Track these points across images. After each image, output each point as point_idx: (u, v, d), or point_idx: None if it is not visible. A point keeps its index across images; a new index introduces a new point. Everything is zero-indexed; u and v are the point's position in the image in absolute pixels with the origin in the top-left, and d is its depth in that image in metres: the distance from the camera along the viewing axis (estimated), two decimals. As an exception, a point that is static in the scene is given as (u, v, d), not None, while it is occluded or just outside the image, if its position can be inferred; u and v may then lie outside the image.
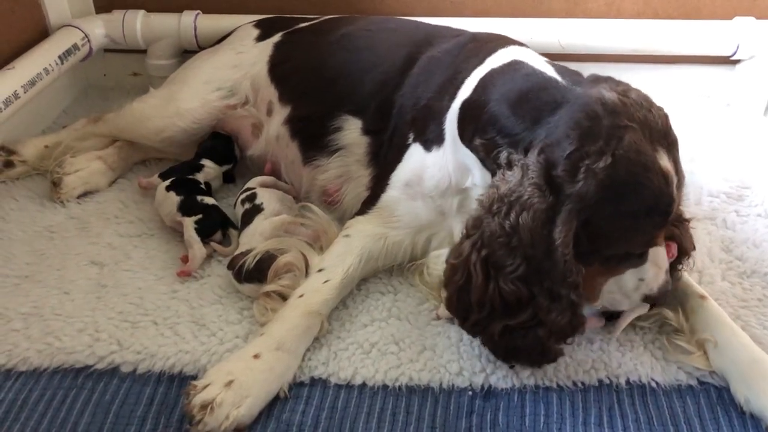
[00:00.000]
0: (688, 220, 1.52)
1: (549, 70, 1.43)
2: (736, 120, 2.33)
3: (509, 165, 1.33)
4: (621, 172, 1.22)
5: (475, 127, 1.44)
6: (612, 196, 1.23)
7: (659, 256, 1.36)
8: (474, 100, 1.48)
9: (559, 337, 1.31)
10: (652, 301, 1.42)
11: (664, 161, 1.26)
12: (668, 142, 1.30)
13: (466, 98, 1.50)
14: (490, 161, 1.41)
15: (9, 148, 2.03)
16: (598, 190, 1.22)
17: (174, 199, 1.78)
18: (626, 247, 1.32)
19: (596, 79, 1.39)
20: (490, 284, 1.29)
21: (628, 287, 1.37)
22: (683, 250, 1.46)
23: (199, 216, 1.74)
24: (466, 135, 1.47)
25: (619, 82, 1.37)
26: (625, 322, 1.45)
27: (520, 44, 1.68)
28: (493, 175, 1.39)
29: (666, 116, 1.32)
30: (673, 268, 1.46)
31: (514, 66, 1.49)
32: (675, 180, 1.27)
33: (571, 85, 1.37)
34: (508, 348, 1.34)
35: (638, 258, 1.35)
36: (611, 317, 1.47)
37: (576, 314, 1.29)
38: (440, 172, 1.57)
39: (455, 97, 1.54)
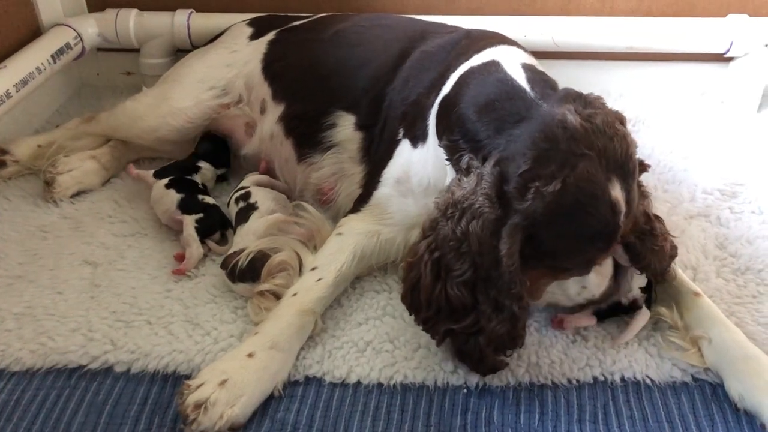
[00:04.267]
0: (660, 235, 1.46)
1: (520, 78, 1.41)
2: (729, 117, 2.33)
3: (467, 170, 1.34)
4: (568, 198, 1.23)
5: (446, 125, 1.44)
6: (557, 218, 1.24)
7: (603, 267, 1.39)
8: (449, 97, 1.48)
9: (497, 347, 1.32)
10: (596, 304, 1.45)
11: (616, 191, 1.26)
12: (624, 171, 1.28)
13: (444, 95, 1.51)
14: (453, 162, 1.41)
15: (2, 147, 2.02)
16: (544, 212, 1.23)
17: (174, 196, 1.78)
18: (569, 264, 1.35)
19: (566, 96, 1.34)
20: (437, 285, 1.31)
21: (570, 292, 1.42)
22: (648, 263, 1.44)
23: (200, 215, 1.73)
24: (439, 133, 1.48)
25: (588, 103, 1.32)
26: (631, 333, 1.45)
27: (513, 43, 1.68)
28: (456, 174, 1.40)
29: (629, 145, 1.30)
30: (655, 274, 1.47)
31: (490, 68, 1.47)
32: (623, 209, 1.27)
33: (538, 99, 1.35)
34: (454, 350, 1.37)
35: (583, 268, 1.37)
36: (604, 317, 1.48)
37: (516, 326, 1.29)
38: (422, 170, 1.57)
39: (439, 93, 1.54)
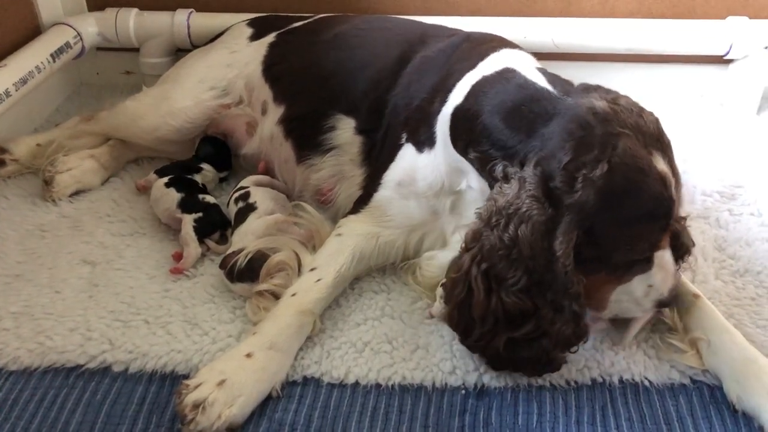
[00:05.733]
0: (684, 218, 1.52)
1: (541, 80, 1.43)
2: (729, 119, 2.33)
3: (506, 178, 1.33)
4: (618, 178, 1.22)
5: (469, 138, 1.44)
6: (612, 203, 1.23)
7: (665, 259, 1.35)
8: (466, 108, 1.47)
9: (564, 347, 1.31)
10: (665, 305, 1.40)
11: (661, 164, 1.26)
12: (662, 145, 1.30)
13: (457, 105, 1.50)
14: (485, 174, 1.41)
15: (1, 146, 2.02)
16: (597, 199, 1.22)
17: (174, 195, 1.77)
18: (631, 254, 1.31)
19: (586, 88, 1.39)
20: (492, 298, 1.28)
21: (637, 294, 1.36)
22: (685, 248, 1.45)
23: (200, 214, 1.73)
24: (459, 144, 1.47)
25: (608, 90, 1.38)
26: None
27: (514, 46, 1.68)
28: (489, 184, 1.39)
29: (657, 120, 1.33)
30: (678, 264, 1.45)
31: (506, 75, 1.47)
32: (672, 182, 1.27)
33: (562, 95, 1.37)
34: (512, 359, 1.34)
35: (645, 263, 1.33)
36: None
37: (579, 324, 1.29)
38: (432, 173, 1.56)
39: (446, 100, 1.54)
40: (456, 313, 1.34)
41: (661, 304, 1.39)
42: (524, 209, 1.25)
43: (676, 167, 1.31)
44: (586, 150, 1.24)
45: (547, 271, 1.25)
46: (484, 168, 1.41)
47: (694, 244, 1.49)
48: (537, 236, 1.24)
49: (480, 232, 1.32)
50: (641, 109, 1.32)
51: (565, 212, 1.24)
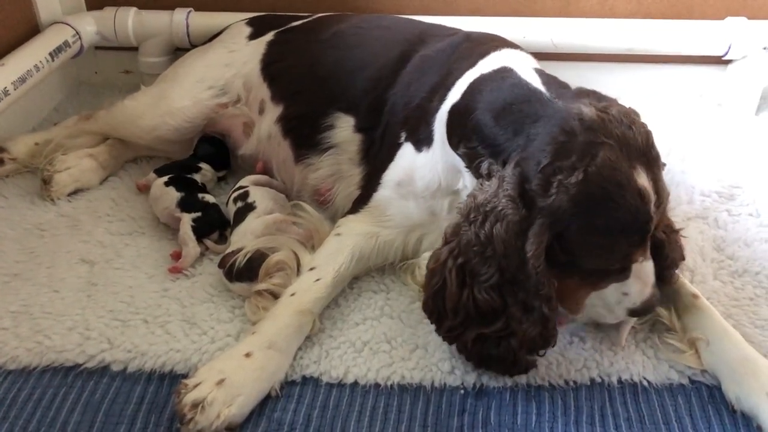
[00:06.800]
0: (677, 231, 1.51)
1: (535, 81, 1.42)
2: (727, 120, 2.34)
3: (489, 175, 1.34)
4: (593, 188, 1.22)
5: (461, 134, 1.44)
6: (584, 211, 1.23)
7: (644, 271, 1.34)
8: (462, 105, 1.47)
9: (530, 348, 1.31)
10: (637, 315, 1.40)
11: (642, 179, 1.25)
12: (648, 159, 1.28)
13: (455, 103, 1.50)
14: (473, 170, 1.42)
15: (-1, 145, 2.02)
16: (569, 205, 1.22)
17: (173, 194, 1.77)
18: (601, 263, 1.31)
19: (580, 93, 1.38)
20: (464, 291, 1.30)
21: (610, 301, 1.35)
22: (671, 261, 1.45)
23: (198, 214, 1.73)
24: (453, 141, 1.47)
25: (602, 97, 1.36)
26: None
27: (514, 46, 1.68)
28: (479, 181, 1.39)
29: (648, 133, 1.30)
30: (665, 275, 1.45)
31: (502, 74, 1.47)
32: (653, 198, 1.26)
33: (553, 98, 1.36)
34: (481, 356, 1.35)
35: (620, 273, 1.33)
36: None
37: (547, 327, 1.29)
38: (430, 173, 1.57)
39: (445, 98, 1.54)
40: (431, 302, 1.36)
41: (633, 313, 1.38)
42: (500, 208, 1.26)
43: (661, 183, 1.29)
44: (564, 156, 1.23)
45: (519, 270, 1.26)
46: (471, 164, 1.41)
47: (683, 258, 1.49)
48: (510, 235, 1.25)
49: (460, 227, 1.33)
50: (633, 120, 1.30)
51: (538, 215, 1.25)
